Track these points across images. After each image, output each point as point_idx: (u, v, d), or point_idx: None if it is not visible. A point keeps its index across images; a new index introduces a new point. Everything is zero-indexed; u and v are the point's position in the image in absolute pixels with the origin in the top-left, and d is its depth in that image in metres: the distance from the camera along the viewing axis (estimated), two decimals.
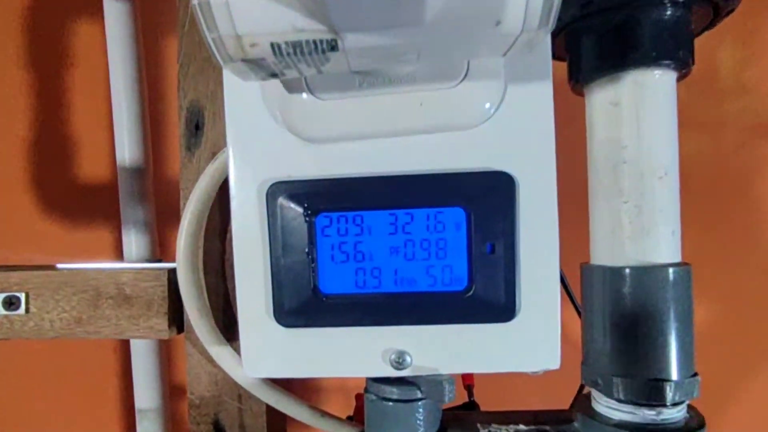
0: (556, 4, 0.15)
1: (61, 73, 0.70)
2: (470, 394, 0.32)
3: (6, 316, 0.27)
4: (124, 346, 0.70)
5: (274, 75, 0.17)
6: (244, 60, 0.16)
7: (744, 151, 0.75)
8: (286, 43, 0.15)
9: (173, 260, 0.28)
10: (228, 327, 0.28)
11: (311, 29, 0.15)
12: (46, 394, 0.71)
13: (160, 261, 0.29)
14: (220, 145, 0.27)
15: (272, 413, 0.29)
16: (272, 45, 0.15)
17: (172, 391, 0.68)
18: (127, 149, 0.60)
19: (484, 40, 0.16)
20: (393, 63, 0.17)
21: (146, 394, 0.62)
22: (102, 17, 0.60)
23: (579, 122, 0.25)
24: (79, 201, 0.70)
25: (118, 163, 0.61)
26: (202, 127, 0.27)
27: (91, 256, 0.66)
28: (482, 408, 0.31)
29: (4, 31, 0.68)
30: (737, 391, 0.74)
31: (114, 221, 0.68)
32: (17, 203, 0.71)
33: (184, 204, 0.27)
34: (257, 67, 0.16)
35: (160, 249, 0.66)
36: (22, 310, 0.27)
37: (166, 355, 0.63)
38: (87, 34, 0.69)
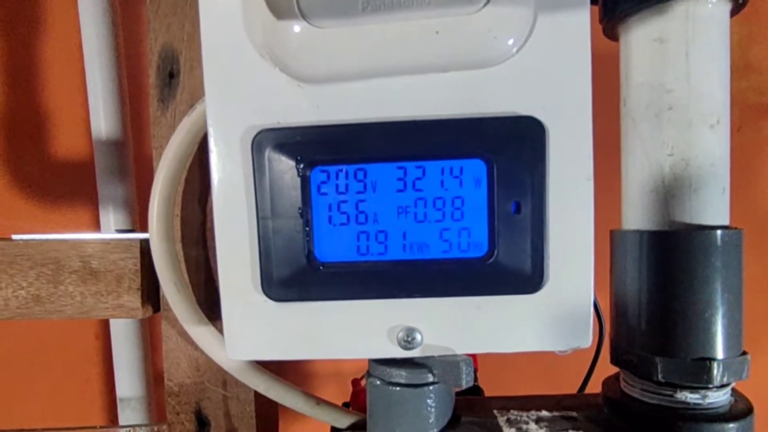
0: None
1: (32, 40, 0.65)
2: (474, 378, 0.29)
3: None
4: (106, 331, 0.67)
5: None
6: None
7: (746, 129, 0.73)
8: None
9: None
10: (211, 305, 0.25)
11: None
12: (22, 381, 0.67)
13: (132, 231, 0.26)
14: (199, 96, 0.24)
15: (261, 401, 0.26)
16: None
17: (156, 378, 0.65)
18: (102, 120, 0.56)
19: None
20: None
21: (128, 382, 0.59)
22: None
23: (607, 68, 0.22)
24: (53, 176, 0.66)
25: (93, 135, 0.57)
26: (177, 75, 0.24)
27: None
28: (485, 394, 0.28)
29: None
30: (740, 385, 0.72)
31: (91, 197, 0.64)
32: None
33: (158, 164, 0.24)
34: None
35: (141, 228, 0.62)
36: None
37: (148, 339, 0.60)
38: (59, 3, 0.64)
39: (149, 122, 0.66)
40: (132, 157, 0.59)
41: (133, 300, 0.24)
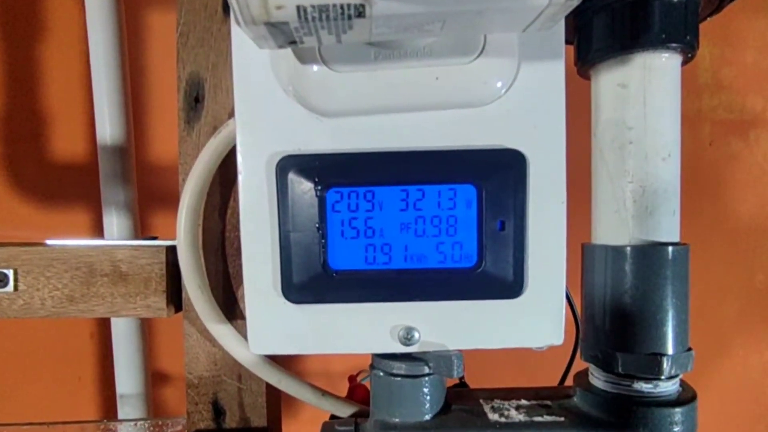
0: None
1: (32, 45, 0.67)
2: (461, 377, 0.32)
3: None
4: (102, 332, 0.69)
5: (292, 42, 0.17)
6: (266, 23, 0.15)
7: (717, 144, 0.78)
8: (313, 6, 0.15)
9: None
10: (227, 307, 0.27)
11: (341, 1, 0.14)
12: (16, 380, 0.68)
13: (155, 238, 0.28)
14: (221, 119, 0.27)
15: (271, 393, 0.29)
16: (298, 8, 0.15)
17: (154, 376, 0.67)
18: (108, 127, 0.59)
19: (511, 11, 0.16)
20: (416, 33, 0.17)
21: (128, 379, 0.61)
22: None
23: (580, 105, 0.26)
24: (52, 180, 0.67)
25: (98, 141, 0.59)
26: (202, 100, 0.27)
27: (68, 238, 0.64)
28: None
29: None
30: (702, 377, 0.77)
31: (92, 202, 0.66)
32: None
33: (184, 179, 0.27)
34: (278, 32, 0.16)
35: (142, 232, 0.65)
36: (10, 287, 0.26)
37: (147, 338, 0.62)
38: (59, 7, 0.66)
39: (152, 131, 0.69)
40: (134, 164, 0.62)
41: (159, 301, 0.26)
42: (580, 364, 0.27)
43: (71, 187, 0.68)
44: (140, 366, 0.61)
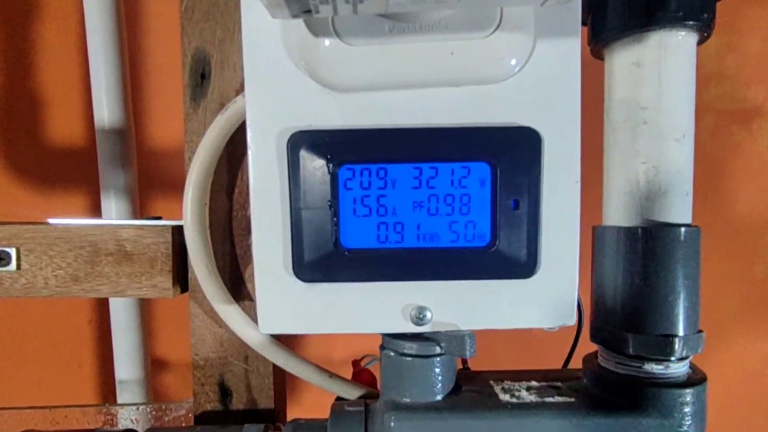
0: None
1: (27, 28, 0.65)
2: (464, 361, 0.32)
3: None
4: (100, 316, 0.68)
5: (306, 11, 0.17)
6: (296, 7, 0.15)
7: (720, 135, 0.78)
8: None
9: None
10: (235, 287, 0.27)
11: None
12: (14, 366, 0.68)
13: (159, 218, 0.28)
14: (228, 95, 0.26)
15: (277, 374, 0.29)
16: None
17: (153, 362, 0.67)
18: (106, 110, 0.58)
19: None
20: (432, 4, 0.17)
21: (128, 365, 0.61)
22: None
23: (593, 86, 0.25)
24: (51, 164, 0.66)
25: (96, 124, 0.58)
26: (208, 77, 0.26)
27: None
28: None
29: None
30: (704, 355, 0.78)
31: (91, 186, 0.65)
32: None
33: (190, 158, 0.26)
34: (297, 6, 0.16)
35: (141, 214, 0.64)
36: (12, 266, 0.26)
37: (147, 324, 0.61)
38: None
39: (153, 114, 0.68)
40: (134, 147, 0.61)
41: (165, 281, 0.26)
42: (582, 347, 0.27)
43: (69, 170, 0.67)
44: (140, 352, 0.61)
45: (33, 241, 0.26)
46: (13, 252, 0.26)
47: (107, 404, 0.39)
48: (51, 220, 0.27)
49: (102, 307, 0.67)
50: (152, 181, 0.65)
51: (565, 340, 0.30)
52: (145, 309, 0.62)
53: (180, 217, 0.25)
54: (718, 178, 0.77)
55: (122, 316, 0.60)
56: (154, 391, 0.66)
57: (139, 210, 0.62)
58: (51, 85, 0.67)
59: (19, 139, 0.68)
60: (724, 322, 0.77)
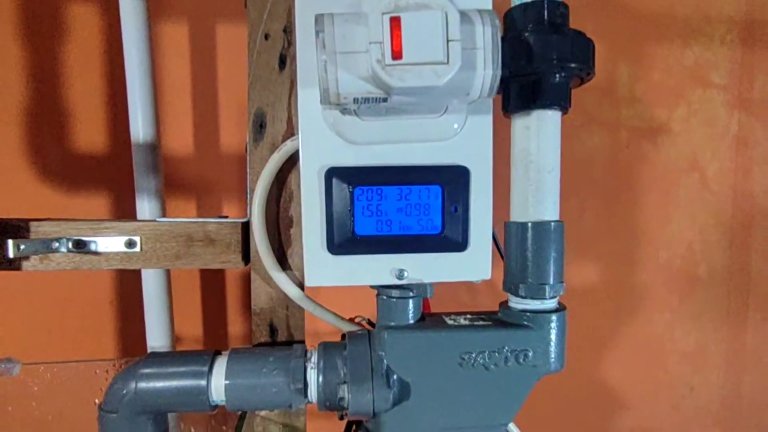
0: (497, 85, 0.30)
1: (57, 46, 0.77)
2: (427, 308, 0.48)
3: (126, 253, 0.39)
4: (121, 296, 0.81)
5: (345, 110, 0.32)
6: (335, 104, 0.30)
7: (632, 147, 0.98)
8: (362, 98, 0.29)
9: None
10: (281, 261, 0.42)
11: (376, 92, 0.29)
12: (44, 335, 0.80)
13: (226, 217, 0.42)
14: (277, 140, 0.41)
15: (306, 319, 0.44)
16: (354, 99, 0.30)
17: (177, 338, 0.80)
18: (141, 126, 0.71)
19: (461, 98, 0.31)
20: (410, 107, 0.32)
21: (157, 335, 0.74)
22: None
23: (504, 137, 0.41)
24: (77, 169, 0.78)
25: (132, 138, 0.71)
26: (264, 126, 0.41)
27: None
28: None
29: (3, 7, 0.74)
30: (618, 332, 0.99)
31: (114, 189, 0.78)
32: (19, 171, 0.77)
33: (253, 179, 0.41)
34: (339, 105, 0.31)
35: (169, 213, 0.77)
36: (137, 248, 0.40)
37: (172, 301, 0.75)
38: (82, 12, 0.77)
39: (166, 128, 0.82)
40: (162, 157, 0.74)
41: (237, 257, 0.41)
42: (500, 297, 0.44)
43: (93, 176, 0.79)
44: (167, 324, 0.74)
45: (150, 232, 0.40)
46: (138, 239, 0.40)
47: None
48: (159, 219, 0.41)
49: (122, 288, 0.81)
50: (169, 185, 0.79)
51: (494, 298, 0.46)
52: (171, 288, 0.76)
53: (217, 214, 0.39)
54: (630, 180, 0.97)
55: (154, 291, 0.73)
56: None
57: (166, 208, 0.76)
58: (76, 99, 0.79)
59: (48, 147, 0.79)
60: (635, 296, 0.97)
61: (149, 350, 0.74)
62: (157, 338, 0.73)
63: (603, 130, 0.93)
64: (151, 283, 0.72)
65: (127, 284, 0.80)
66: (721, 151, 0.97)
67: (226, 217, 0.41)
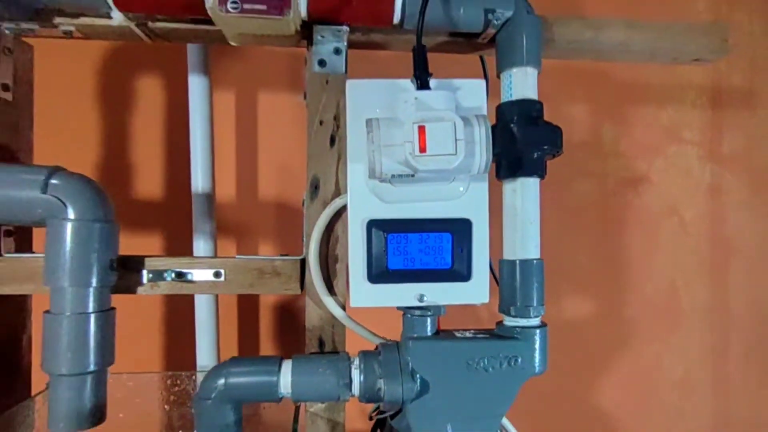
0: (490, 165, 0.44)
1: (124, 116, 0.94)
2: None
3: (213, 281, 0.53)
4: (169, 323, 0.93)
5: (382, 180, 0.46)
6: (378, 177, 0.44)
7: (617, 194, 1.12)
8: (397, 174, 0.44)
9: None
10: (329, 289, 0.55)
11: (407, 171, 0.43)
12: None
13: (287, 255, 0.56)
14: (328, 198, 0.55)
15: (347, 334, 0.56)
16: (392, 175, 0.44)
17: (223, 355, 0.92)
18: (200, 181, 0.86)
19: (465, 174, 0.45)
20: (429, 180, 0.46)
21: (207, 354, 0.86)
22: (159, 73, 0.87)
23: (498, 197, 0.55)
24: (136, 214, 0.93)
25: (192, 189, 0.86)
26: (318, 188, 0.55)
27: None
28: None
29: (81, 76, 0.92)
30: (608, 359, 1.10)
31: (162, 229, 0.92)
32: None
33: (310, 228, 0.54)
34: (380, 178, 0.45)
35: (219, 253, 0.91)
36: (222, 278, 0.53)
37: (220, 323, 0.87)
38: (147, 84, 0.94)
39: (224, 181, 1.00)
40: (215, 205, 0.89)
41: (296, 286, 0.54)
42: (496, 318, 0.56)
43: (150, 220, 0.94)
44: (215, 346, 0.87)
45: (232, 266, 0.53)
46: (223, 271, 0.53)
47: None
48: (237, 256, 0.54)
49: (171, 313, 0.94)
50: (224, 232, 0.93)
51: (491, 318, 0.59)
52: (218, 314, 0.88)
53: (277, 252, 0.53)
54: (615, 224, 1.10)
55: (204, 316, 0.86)
56: None
57: (215, 248, 0.90)
58: (137, 156, 0.95)
59: (115, 195, 0.94)
60: (624, 328, 1.09)
61: (198, 368, 0.85)
62: (204, 358, 0.85)
63: (592, 179, 1.07)
64: (204, 313, 0.85)
65: (177, 313, 0.93)
66: (696, 198, 1.10)
67: (287, 255, 0.55)
